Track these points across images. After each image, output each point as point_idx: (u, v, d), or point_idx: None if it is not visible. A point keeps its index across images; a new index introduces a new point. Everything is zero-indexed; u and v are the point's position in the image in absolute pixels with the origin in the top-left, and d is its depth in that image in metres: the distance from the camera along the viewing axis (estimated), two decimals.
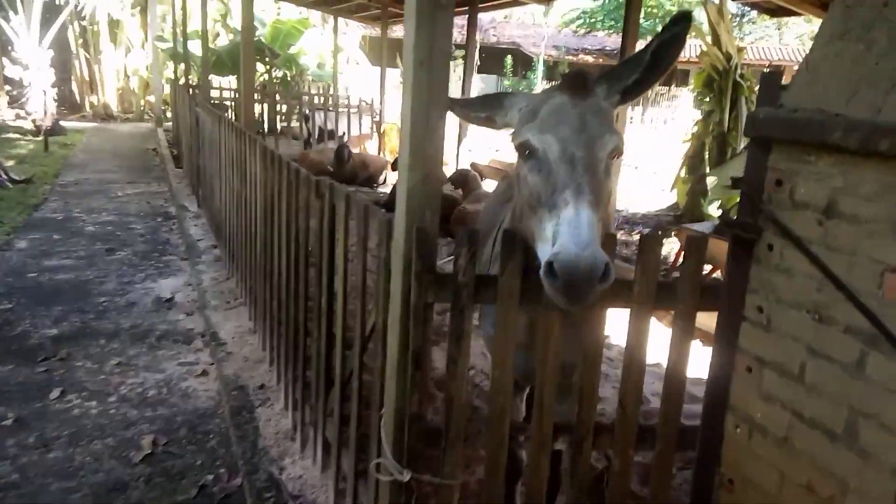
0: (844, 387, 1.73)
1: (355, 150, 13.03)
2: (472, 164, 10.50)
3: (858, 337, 1.68)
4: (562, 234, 1.72)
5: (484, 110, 2.23)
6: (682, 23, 1.99)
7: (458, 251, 2.03)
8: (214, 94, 14.42)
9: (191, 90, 10.11)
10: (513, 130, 2.08)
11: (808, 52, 1.84)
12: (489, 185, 11.36)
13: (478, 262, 2.07)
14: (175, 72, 17.12)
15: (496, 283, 2.06)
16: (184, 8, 13.70)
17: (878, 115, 1.62)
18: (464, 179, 9.36)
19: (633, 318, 2.14)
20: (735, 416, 2.08)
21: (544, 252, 1.77)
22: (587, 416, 2.17)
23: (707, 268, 6.98)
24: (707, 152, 8.55)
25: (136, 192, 10.54)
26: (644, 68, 2.03)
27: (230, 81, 17.79)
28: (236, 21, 19.84)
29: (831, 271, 1.74)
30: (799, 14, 7.71)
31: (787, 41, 30.64)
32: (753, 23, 28.90)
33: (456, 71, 25.97)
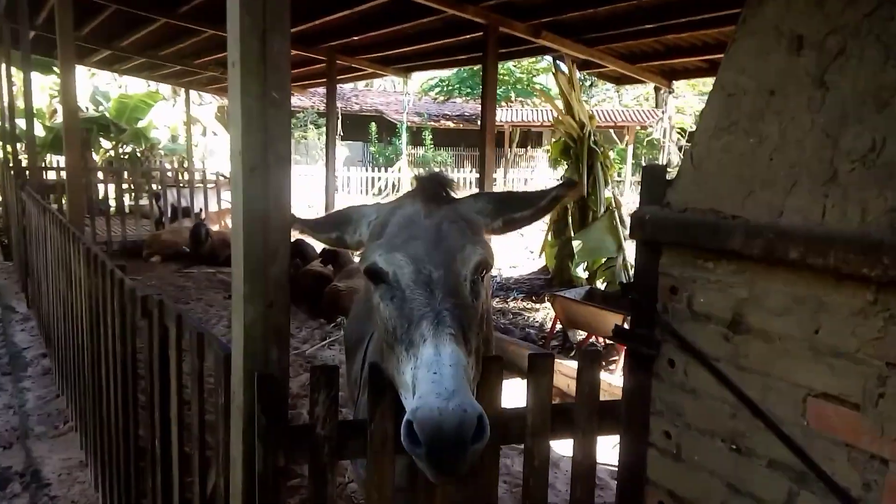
0: None
1: (214, 228, 12.23)
2: None
3: (785, 473, 1.45)
4: (420, 383, 1.40)
5: (333, 229, 1.89)
6: (571, 186, 1.87)
7: (316, 396, 1.64)
8: (52, 175, 13.14)
9: (17, 173, 9.05)
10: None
11: (689, 145, 1.66)
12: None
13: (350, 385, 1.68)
14: (3, 152, 15.53)
15: (365, 432, 1.67)
16: (9, 82, 12.47)
17: (780, 217, 1.44)
18: (334, 254, 8.91)
19: (528, 454, 1.82)
20: None
21: (407, 404, 1.44)
22: None
23: (582, 335, 6.95)
24: (570, 217, 8.72)
25: None
26: (536, 209, 1.83)
27: None
28: (79, 97, 18.52)
29: (745, 395, 1.52)
30: (643, 82, 8.10)
31: (626, 101, 33.17)
32: (594, 86, 31.04)
33: (320, 139, 25.68)
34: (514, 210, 1.83)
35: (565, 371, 5.57)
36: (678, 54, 7.23)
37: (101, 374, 3.45)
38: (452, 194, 1.86)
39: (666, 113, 19.39)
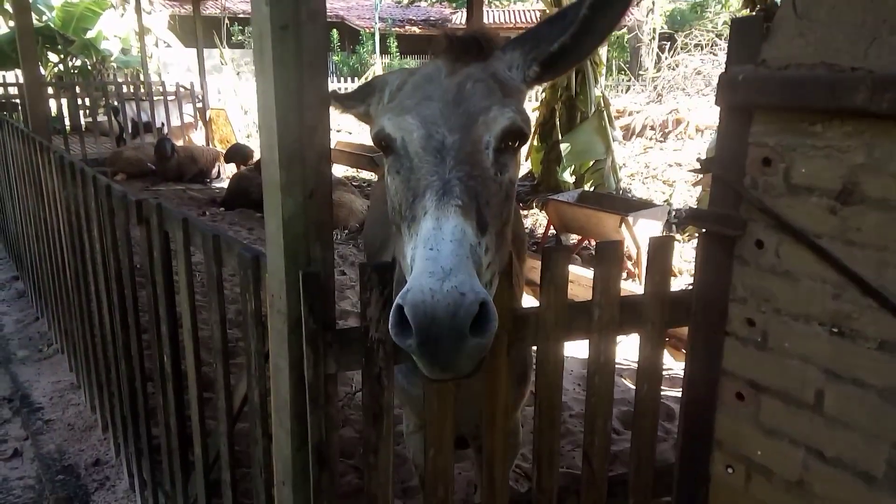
0: (882, 417, 1.37)
1: (179, 143, 11.67)
2: None
3: None
4: (416, 261, 1.18)
5: (361, 102, 1.63)
6: None
7: (367, 296, 1.44)
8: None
9: None
10: None
11: None
12: (338, 172, 10.63)
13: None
14: None
15: None
16: None
17: None
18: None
19: (594, 349, 1.67)
20: (724, 454, 1.68)
21: None
22: (548, 484, 1.69)
23: (574, 238, 6.84)
24: (557, 119, 8.42)
25: None
26: (576, 29, 1.44)
27: (17, 76, 15.37)
28: None
29: (855, 272, 1.36)
30: None
31: None
32: None
33: None
34: (548, 42, 1.48)
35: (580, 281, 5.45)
36: None
37: (87, 292, 3.20)
38: (492, 53, 1.53)
39: (651, 10, 18.71)
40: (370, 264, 1.43)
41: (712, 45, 15.55)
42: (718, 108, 1.55)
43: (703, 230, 1.62)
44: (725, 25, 18.62)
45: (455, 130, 1.33)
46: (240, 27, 27.02)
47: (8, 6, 17.00)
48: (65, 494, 3.03)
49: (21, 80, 13.49)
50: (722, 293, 1.62)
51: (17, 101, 12.57)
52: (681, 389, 1.76)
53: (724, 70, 1.51)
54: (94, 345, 3.31)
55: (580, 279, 5.48)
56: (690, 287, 1.71)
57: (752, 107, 1.47)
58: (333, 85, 22.43)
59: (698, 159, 1.64)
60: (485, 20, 26.45)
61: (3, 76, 15.12)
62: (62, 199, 3.36)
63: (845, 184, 1.35)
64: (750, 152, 1.51)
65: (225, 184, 10.11)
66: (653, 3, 21.55)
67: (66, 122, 12.76)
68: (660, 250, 1.66)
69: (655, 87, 14.99)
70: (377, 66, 22.01)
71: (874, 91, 1.25)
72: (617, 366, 1.74)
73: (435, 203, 1.23)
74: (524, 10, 27.32)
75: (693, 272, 1.72)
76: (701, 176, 7.74)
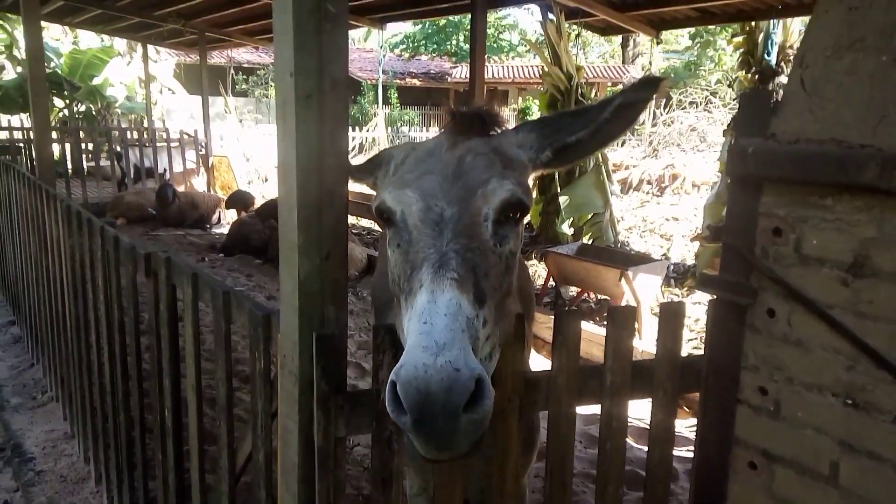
0: None
1: (181, 188, 11.76)
2: None
3: None
4: (410, 335, 1.18)
5: (370, 175, 1.66)
6: (651, 86, 1.51)
7: (380, 358, 1.43)
8: (3, 135, 12.40)
9: None
10: None
11: (798, 67, 1.47)
12: None
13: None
14: None
15: None
16: None
17: None
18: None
19: (605, 414, 1.66)
20: None
21: None
22: None
23: (573, 290, 6.85)
24: (555, 172, 8.52)
25: None
26: (595, 129, 1.52)
27: (21, 120, 15.56)
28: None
29: (868, 344, 1.36)
30: (630, 32, 7.90)
31: (591, 59, 32.93)
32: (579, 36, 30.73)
33: None
34: (566, 133, 1.53)
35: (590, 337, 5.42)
36: (667, 2, 7.01)
37: (88, 340, 3.18)
38: (495, 131, 1.60)
39: (636, 67, 19.17)
40: (383, 326, 1.43)
41: (707, 103, 15.89)
42: (729, 178, 1.58)
43: (714, 296, 1.63)
44: (719, 84, 19.07)
45: (453, 203, 1.34)
46: (244, 76, 27.53)
47: (17, 53, 17.39)
48: None
49: (26, 125, 13.70)
50: (734, 360, 1.62)
51: (21, 145, 12.68)
52: (683, 448, 1.74)
53: (733, 142, 1.54)
54: (91, 394, 3.27)
55: (592, 336, 5.46)
56: (701, 353, 1.71)
57: (762, 179, 1.50)
58: None
59: (708, 226, 1.67)
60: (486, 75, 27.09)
61: (9, 120, 15.32)
62: (66, 247, 3.37)
63: (856, 256, 1.37)
64: (760, 222, 1.53)
65: (225, 230, 10.15)
66: (650, 62, 22.11)
67: (69, 165, 12.85)
68: (671, 316, 1.67)
69: (651, 143, 15.24)
70: (380, 118, 22.39)
71: (884, 168, 1.28)
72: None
73: (431, 276, 1.23)
74: (521, 66, 27.94)
75: (695, 330, 1.72)
76: (699, 230, 7.81)
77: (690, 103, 16.18)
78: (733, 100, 14.27)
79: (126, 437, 2.74)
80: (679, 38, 28.51)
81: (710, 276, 1.64)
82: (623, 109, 1.51)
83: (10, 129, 13.18)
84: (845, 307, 1.40)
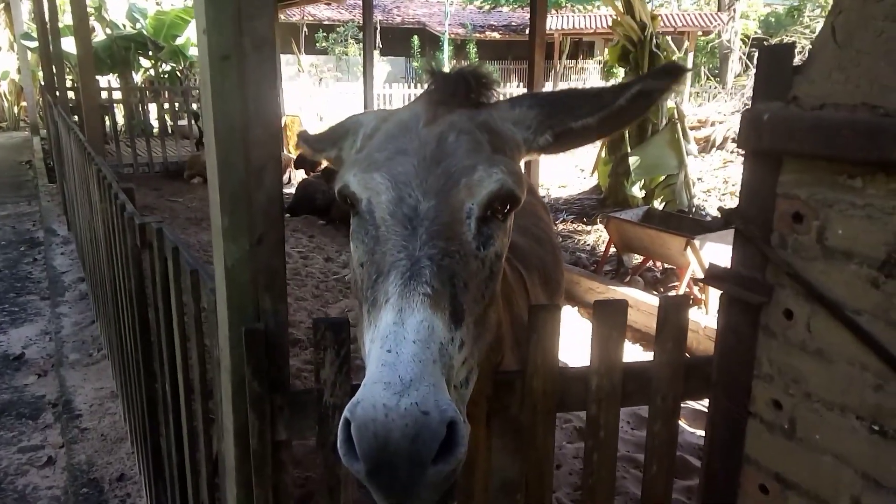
0: None
1: None
2: None
3: None
4: (370, 363, 0.98)
5: (332, 146, 1.48)
6: (674, 75, 1.28)
7: (321, 356, 1.28)
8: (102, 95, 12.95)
9: (51, 93, 8.83)
10: None
11: (832, 13, 1.17)
12: None
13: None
14: (45, 74, 15.42)
15: None
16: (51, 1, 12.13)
17: None
18: (332, 172, 8.62)
19: (591, 424, 1.45)
20: None
21: None
22: None
23: (637, 258, 6.48)
24: (627, 130, 8.05)
25: (1, 215, 9.18)
26: (606, 115, 1.30)
27: (109, 80, 16.21)
28: (114, 13, 18.11)
29: None
30: None
31: (685, 6, 31.07)
32: None
33: (359, 55, 24.87)
34: (572, 116, 1.31)
35: (640, 306, 5.15)
36: None
37: (117, 303, 3.21)
38: (484, 99, 1.37)
39: (733, 16, 17.87)
40: (324, 321, 1.27)
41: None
42: (743, 152, 1.31)
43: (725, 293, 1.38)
44: None
45: (430, 195, 1.14)
46: (324, 34, 27.66)
47: (105, 14, 18.03)
48: None
49: (118, 85, 14.27)
50: (745, 367, 1.37)
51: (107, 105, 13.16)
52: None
53: (748, 107, 1.27)
54: (122, 356, 3.32)
55: (639, 304, 5.17)
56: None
57: (781, 152, 1.23)
58: (412, 90, 22.33)
59: (719, 209, 1.40)
60: (563, 25, 25.99)
61: (108, 80, 15.98)
62: (99, 211, 3.39)
63: (890, 252, 1.09)
64: (778, 205, 1.26)
65: (293, 190, 10.27)
66: (747, 6, 20.52)
67: (154, 125, 13.33)
68: (673, 311, 1.43)
69: (742, 96, 14.24)
70: None
71: None
72: None
73: (399, 289, 1.04)
74: (608, 16, 26.66)
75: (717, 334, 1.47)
76: None
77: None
78: None
79: (144, 406, 2.74)
80: None
81: (719, 269, 1.39)
82: (640, 97, 1.28)
83: (110, 89, 13.70)
84: (875, 314, 1.13)
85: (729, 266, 1.37)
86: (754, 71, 1.31)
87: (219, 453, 1.68)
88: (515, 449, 1.52)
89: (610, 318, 1.40)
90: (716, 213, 8.24)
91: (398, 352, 0.96)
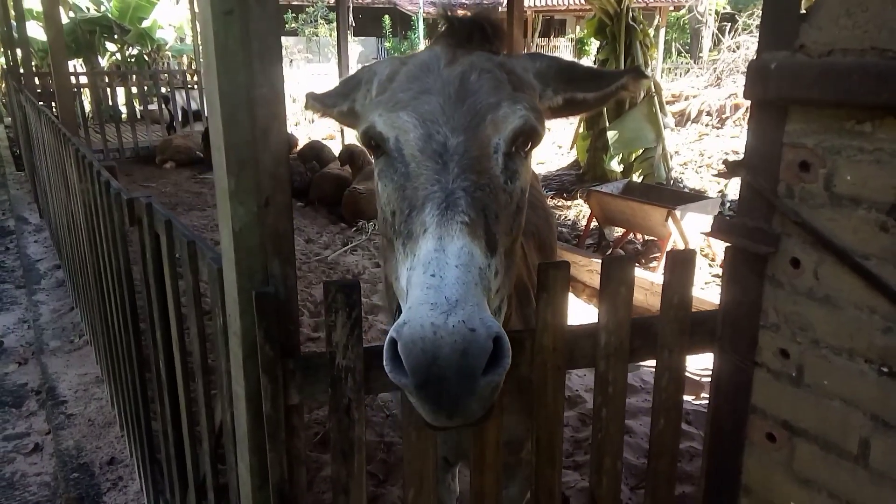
0: None
1: None
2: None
3: None
4: (413, 288, 1.01)
5: (344, 100, 1.48)
6: (633, 75, 1.41)
7: (332, 319, 1.27)
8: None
9: (16, 78, 8.58)
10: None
11: None
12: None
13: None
14: (6, 59, 14.96)
15: None
16: None
17: None
18: (350, 155, 8.48)
19: (600, 379, 1.46)
20: (752, 499, 1.46)
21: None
22: None
23: (618, 231, 6.54)
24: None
25: None
26: (605, 94, 1.42)
27: (74, 65, 15.80)
28: None
29: None
30: None
31: None
32: None
33: (331, 36, 24.55)
34: (580, 88, 1.40)
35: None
36: None
37: (102, 286, 3.15)
38: (497, 46, 1.41)
39: None
40: (335, 283, 1.26)
41: None
42: (749, 102, 1.32)
43: (730, 244, 1.39)
44: None
45: (459, 131, 1.17)
46: (293, 14, 27.22)
47: None
48: (77, 494, 2.99)
49: (84, 70, 13.88)
50: (751, 318, 1.39)
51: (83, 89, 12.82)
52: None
53: (755, 58, 1.27)
54: (109, 340, 3.27)
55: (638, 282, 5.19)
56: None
57: (787, 101, 1.23)
58: None
59: (725, 161, 1.41)
60: (535, 2, 25.86)
61: (74, 66, 15.54)
62: (79, 192, 3.32)
63: None
64: (785, 155, 1.27)
65: None
66: None
67: (122, 110, 13.03)
68: (679, 266, 1.44)
69: (714, 70, 14.33)
70: None
71: None
72: None
73: (437, 219, 1.07)
74: None
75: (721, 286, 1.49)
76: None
77: (758, 27, 15.08)
78: None
79: (133, 389, 2.71)
80: None
81: (725, 221, 1.40)
82: (621, 90, 1.43)
83: (76, 74, 13.32)
84: (884, 257, 1.15)
85: (733, 218, 1.38)
86: (759, 21, 1.31)
87: (223, 423, 1.67)
88: (521, 408, 1.53)
89: (618, 274, 1.40)
90: (693, 186, 8.32)
91: (442, 275, 0.99)
